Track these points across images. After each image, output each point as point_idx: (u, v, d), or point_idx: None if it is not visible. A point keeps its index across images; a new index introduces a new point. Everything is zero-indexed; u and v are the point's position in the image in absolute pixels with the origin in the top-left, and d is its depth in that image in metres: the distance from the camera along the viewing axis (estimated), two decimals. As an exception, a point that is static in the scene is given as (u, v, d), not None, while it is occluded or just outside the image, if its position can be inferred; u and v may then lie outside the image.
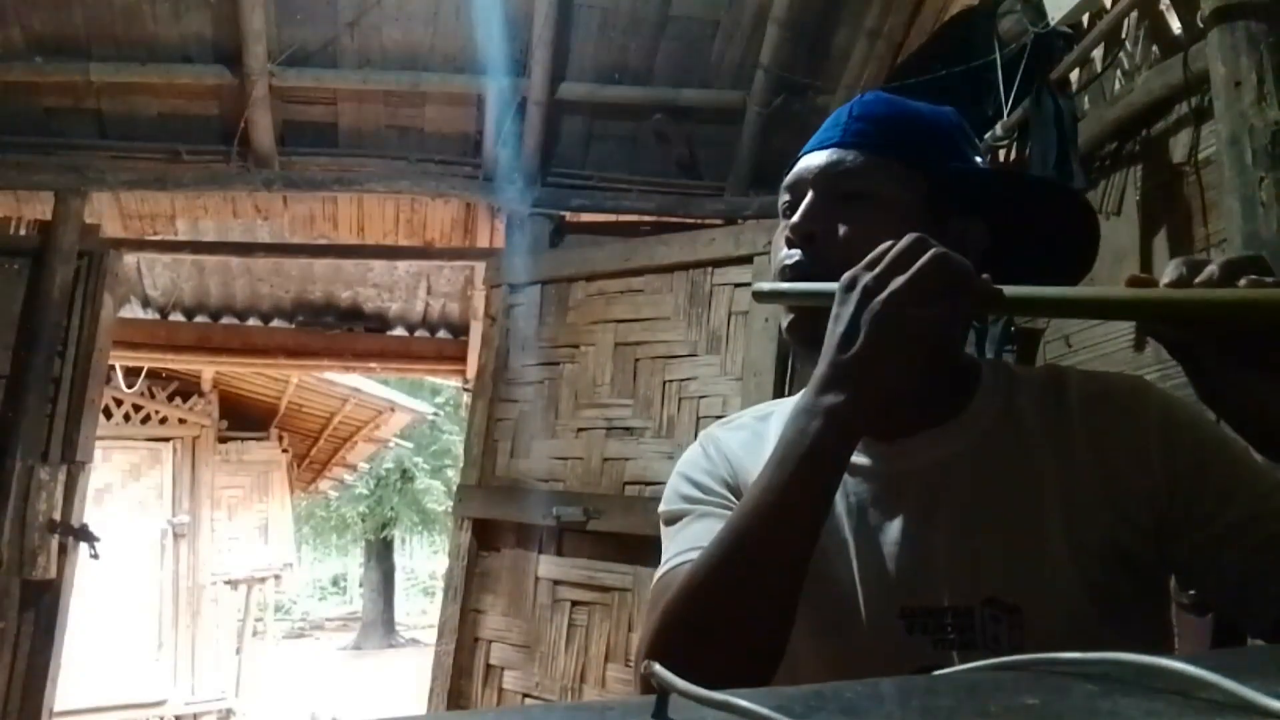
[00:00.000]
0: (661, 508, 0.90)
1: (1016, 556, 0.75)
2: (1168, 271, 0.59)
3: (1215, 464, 0.72)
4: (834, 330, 0.68)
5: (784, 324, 0.83)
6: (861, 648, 0.78)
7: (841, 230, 0.79)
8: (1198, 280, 0.57)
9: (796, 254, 0.81)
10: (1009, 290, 0.66)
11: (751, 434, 0.89)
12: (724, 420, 0.97)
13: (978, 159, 0.87)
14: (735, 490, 0.84)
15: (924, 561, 0.78)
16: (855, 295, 0.67)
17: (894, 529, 0.80)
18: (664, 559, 0.82)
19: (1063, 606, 0.73)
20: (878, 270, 0.67)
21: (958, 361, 0.84)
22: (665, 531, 0.87)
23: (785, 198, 0.85)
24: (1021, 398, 0.81)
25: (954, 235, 0.80)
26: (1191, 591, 0.80)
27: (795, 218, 0.81)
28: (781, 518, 0.68)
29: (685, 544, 0.79)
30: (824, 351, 0.69)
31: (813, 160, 0.83)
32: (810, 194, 0.82)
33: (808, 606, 0.82)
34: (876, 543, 0.80)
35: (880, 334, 0.66)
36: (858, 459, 0.83)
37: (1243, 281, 0.55)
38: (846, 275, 0.69)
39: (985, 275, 0.66)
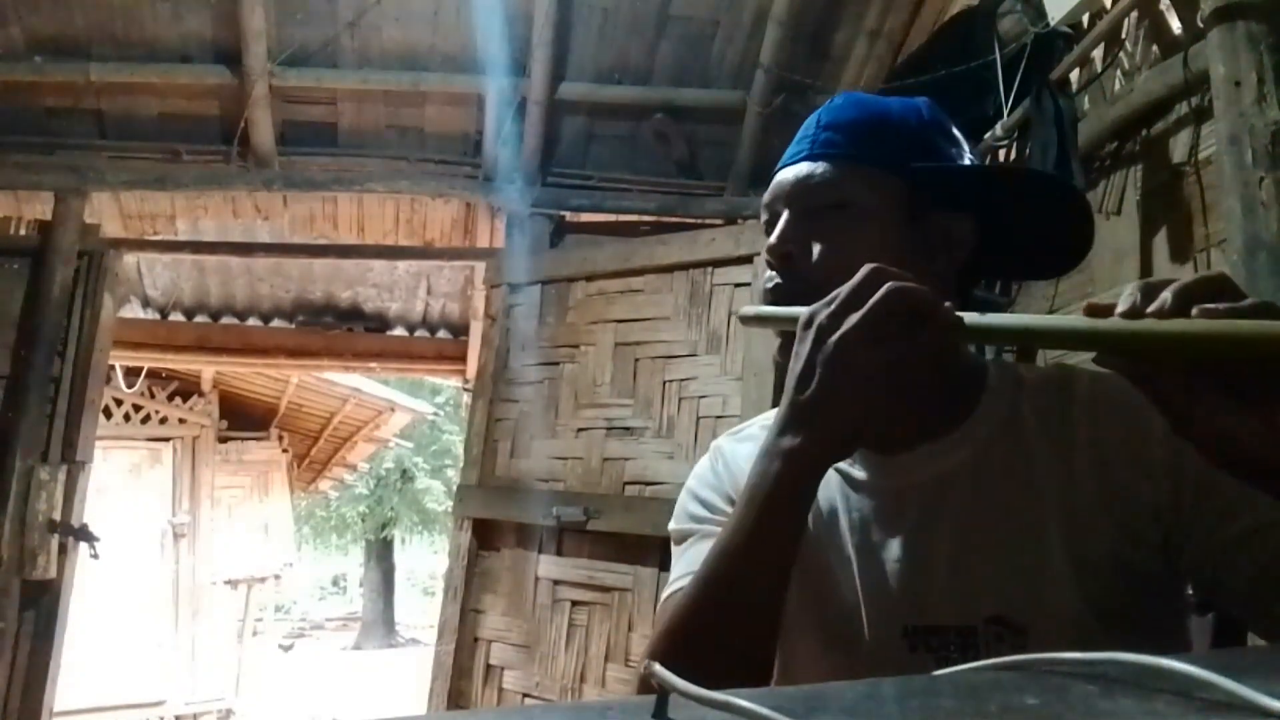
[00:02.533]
0: (671, 525, 0.91)
1: (1017, 574, 0.74)
2: (1122, 299, 0.56)
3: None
4: (793, 369, 0.68)
5: (776, 348, 0.82)
6: (865, 665, 0.77)
7: (818, 247, 0.78)
8: (1150, 310, 0.54)
9: (776, 276, 0.80)
10: (969, 318, 0.64)
11: (757, 445, 0.89)
12: (733, 430, 0.97)
13: (959, 149, 0.84)
14: None
15: (925, 579, 0.77)
16: (811, 334, 0.67)
17: (896, 545, 0.79)
18: (671, 579, 0.83)
19: (1066, 625, 0.72)
20: (832, 308, 0.66)
21: (958, 369, 0.82)
22: (674, 550, 0.88)
23: (765, 215, 0.84)
24: (1026, 403, 0.80)
25: (936, 234, 0.79)
26: (1204, 599, 0.79)
27: (772, 239, 0.80)
28: (750, 558, 0.69)
29: (688, 566, 0.80)
30: (785, 390, 0.69)
31: (785, 176, 0.82)
32: (785, 212, 0.81)
33: (813, 623, 0.82)
34: (879, 559, 0.80)
35: (834, 376, 0.65)
36: (860, 474, 0.83)
37: (1195, 310, 0.52)
38: (806, 312, 0.68)
39: (948, 304, 0.64)
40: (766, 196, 0.84)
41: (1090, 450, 0.75)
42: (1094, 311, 0.57)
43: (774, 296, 0.79)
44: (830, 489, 0.84)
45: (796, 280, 0.77)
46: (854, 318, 0.64)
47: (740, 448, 0.90)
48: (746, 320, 0.81)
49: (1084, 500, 0.74)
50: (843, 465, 0.83)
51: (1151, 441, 0.73)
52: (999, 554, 0.75)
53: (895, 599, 0.78)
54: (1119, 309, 0.56)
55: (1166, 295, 0.54)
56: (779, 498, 0.68)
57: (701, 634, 0.69)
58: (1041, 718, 0.38)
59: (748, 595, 0.69)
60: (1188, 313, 0.53)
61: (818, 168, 0.80)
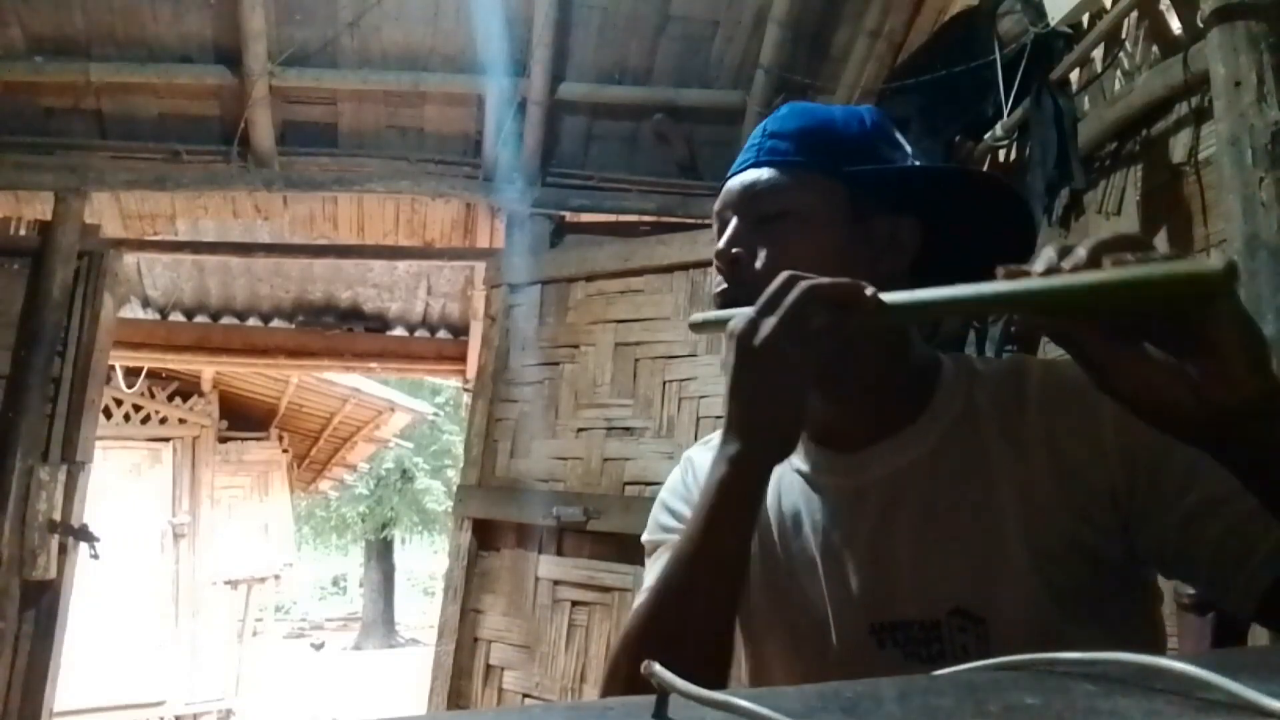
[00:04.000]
0: (644, 536, 0.92)
1: (977, 565, 0.75)
2: (1039, 260, 0.57)
3: (1174, 448, 0.69)
4: (726, 380, 0.70)
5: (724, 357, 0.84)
6: (836, 665, 0.78)
7: (764, 252, 0.79)
8: (1066, 265, 0.55)
9: (724, 281, 0.81)
10: (890, 298, 0.65)
11: None
12: (704, 440, 0.98)
13: (904, 155, 0.86)
14: None
15: (888, 575, 0.78)
16: (734, 344, 0.69)
17: (858, 544, 0.80)
18: (642, 587, 0.84)
19: (1026, 614, 0.72)
20: (750, 315, 0.68)
21: (911, 364, 0.83)
22: (647, 561, 0.89)
23: (715, 224, 0.86)
24: (981, 395, 0.81)
25: (881, 237, 0.81)
26: (1174, 581, 0.80)
27: (720, 244, 0.81)
28: (700, 564, 0.71)
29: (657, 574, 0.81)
30: (723, 400, 0.71)
31: (734, 184, 0.84)
32: (733, 219, 0.82)
33: (783, 626, 0.83)
34: (842, 559, 0.81)
35: (759, 379, 0.67)
36: (821, 475, 0.84)
37: (1107, 261, 0.54)
38: (731, 323, 0.70)
39: (870, 290, 0.65)
40: (717, 204, 0.86)
41: (1045, 438, 0.76)
42: (1011, 275, 0.58)
43: (723, 301, 0.80)
44: (794, 493, 0.85)
45: (744, 285, 0.78)
46: (771, 320, 0.66)
47: (710, 456, 0.91)
48: (695, 327, 0.83)
49: (1041, 488, 0.75)
50: (804, 467, 0.84)
51: (1103, 427, 0.74)
52: (958, 546, 0.76)
53: (860, 598, 0.79)
54: (1037, 268, 0.57)
55: (1081, 251, 0.56)
56: (725, 502, 0.70)
57: (656, 638, 0.70)
58: (1041, 718, 0.38)
59: (699, 599, 0.70)
60: (1100, 265, 0.54)
61: (763, 174, 0.82)
